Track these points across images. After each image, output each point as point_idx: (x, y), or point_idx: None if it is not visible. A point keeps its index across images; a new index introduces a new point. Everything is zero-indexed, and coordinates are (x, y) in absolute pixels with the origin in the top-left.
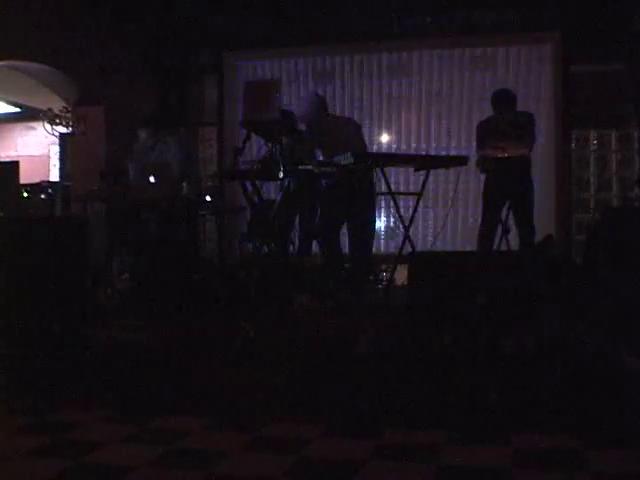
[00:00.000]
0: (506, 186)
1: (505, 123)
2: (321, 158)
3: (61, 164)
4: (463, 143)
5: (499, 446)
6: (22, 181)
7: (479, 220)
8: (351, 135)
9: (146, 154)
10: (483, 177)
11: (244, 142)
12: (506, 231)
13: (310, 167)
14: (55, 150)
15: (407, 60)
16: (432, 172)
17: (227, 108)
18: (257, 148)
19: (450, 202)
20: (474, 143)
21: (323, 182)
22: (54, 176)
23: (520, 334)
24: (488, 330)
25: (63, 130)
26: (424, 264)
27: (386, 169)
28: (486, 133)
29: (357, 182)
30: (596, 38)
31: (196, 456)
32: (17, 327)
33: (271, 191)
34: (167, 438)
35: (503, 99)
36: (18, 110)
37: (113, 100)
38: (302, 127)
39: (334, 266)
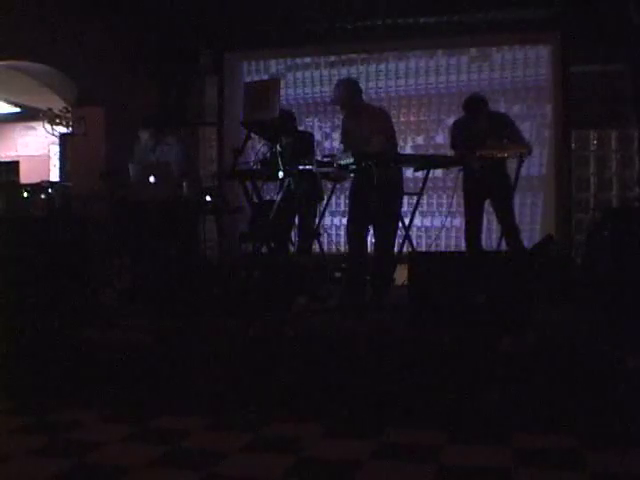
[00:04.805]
0: (484, 184)
1: (482, 124)
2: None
3: (61, 164)
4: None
5: (499, 446)
6: (22, 181)
7: None
8: (381, 125)
9: (147, 155)
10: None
11: (244, 142)
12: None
13: (310, 167)
14: (55, 150)
15: (407, 60)
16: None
17: (227, 108)
18: (257, 148)
19: (451, 201)
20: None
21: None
22: (54, 176)
23: (520, 334)
24: (488, 330)
25: (63, 130)
26: (424, 264)
27: None
28: (462, 133)
29: (384, 177)
30: (596, 38)
31: (196, 456)
32: (17, 327)
33: (271, 191)
34: (167, 438)
35: (474, 102)
36: (18, 110)
37: (113, 100)
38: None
39: (360, 267)
